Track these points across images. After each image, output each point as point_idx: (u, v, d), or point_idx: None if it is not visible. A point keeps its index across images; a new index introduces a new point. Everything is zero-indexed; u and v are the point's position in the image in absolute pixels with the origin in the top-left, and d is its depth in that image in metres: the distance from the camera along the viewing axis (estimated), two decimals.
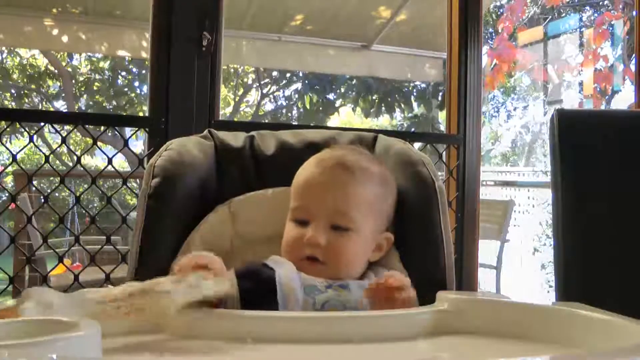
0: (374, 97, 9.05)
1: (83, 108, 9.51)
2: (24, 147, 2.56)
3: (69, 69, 9.33)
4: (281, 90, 10.34)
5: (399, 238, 1.03)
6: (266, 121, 10.28)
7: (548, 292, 5.73)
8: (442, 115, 8.97)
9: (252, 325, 0.74)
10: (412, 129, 9.50)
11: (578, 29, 7.98)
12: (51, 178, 7.49)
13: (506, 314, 0.77)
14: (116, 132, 2.22)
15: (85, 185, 6.30)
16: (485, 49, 7.44)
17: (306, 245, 0.94)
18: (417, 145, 2.44)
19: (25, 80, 9.41)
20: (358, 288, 0.90)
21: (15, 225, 4.27)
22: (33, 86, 9.44)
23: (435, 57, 4.43)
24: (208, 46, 1.98)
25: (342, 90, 9.73)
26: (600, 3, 8.81)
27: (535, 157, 9.88)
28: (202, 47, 1.98)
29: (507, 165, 10.38)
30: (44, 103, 9.78)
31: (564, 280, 1.20)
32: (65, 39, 4.11)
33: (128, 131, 4.07)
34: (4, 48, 8.87)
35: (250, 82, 10.32)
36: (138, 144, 8.20)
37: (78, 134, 8.52)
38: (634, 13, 3.13)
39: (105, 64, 9.37)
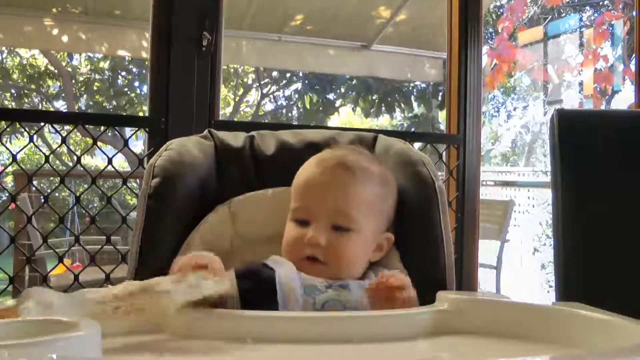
0: (374, 97, 9.05)
1: (83, 108, 9.51)
2: (24, 147, 2.56)
3: (69, 69, 9.34)
4: (281, 90, 10.34)
5: (399, 238, 1.03)
6: (266, 121, 10.28)
7: (548, 292, 5.73)
8: (442, 115, 8.98)
9: (252, 325, 0.74)
10: (412, 129, 9.50)
11: (578, 29, 7.99)
12: (51, 178, 7.49)
13: (506, 314, 0.77)
14: (116, 132, 2.22)
15: (85, 185, 6.30)
16: (485, 49, 7.44)
17: (307, 246, 0.94)
18: (417, 145, 2.44)
19: (25, 80, 9.41)
20: (358, 288, 0.90)
21: (15, 225, 4.27)
22: (33, 86, 9.45)
23: (435, 57, 4.43)
24: (208, 46, 1.98)
25: (342, 90, 9.73)
26: (600, 3, 8.81)
27: (535, 157, 9.89)
28: (202, 47, 1.98)
29: (507, 165, 10.38)
30: (44, 103, 9.79)
31: (564, 280, 1.20)
32: (65, 39, 4.12)
33: (128, 131, 4.07)
34: (4, 48, 8.87)
35: (250, 82, 10.32)
36: (138, 144, 8.20)
37: (78, 134, 8.53)
38: (634, 13, 3.13)
39: (105, 64, 9.37)
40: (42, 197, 2.52)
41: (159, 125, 1.96)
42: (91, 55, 8.94)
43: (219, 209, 1.07)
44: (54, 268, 2.27)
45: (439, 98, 8.83)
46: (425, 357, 0.74)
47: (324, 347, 0.71)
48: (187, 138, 1.13)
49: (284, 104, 10.57)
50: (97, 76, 9.54)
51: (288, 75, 9.71)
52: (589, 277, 1.20)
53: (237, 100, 10.28)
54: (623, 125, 1.29)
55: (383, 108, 8.97)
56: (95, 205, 8.45)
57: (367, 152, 1.08)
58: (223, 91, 9.57)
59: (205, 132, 1.16)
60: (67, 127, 2.34)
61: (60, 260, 2.09)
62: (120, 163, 8.36)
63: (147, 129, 2.02)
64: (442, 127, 8.56)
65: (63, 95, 9.58)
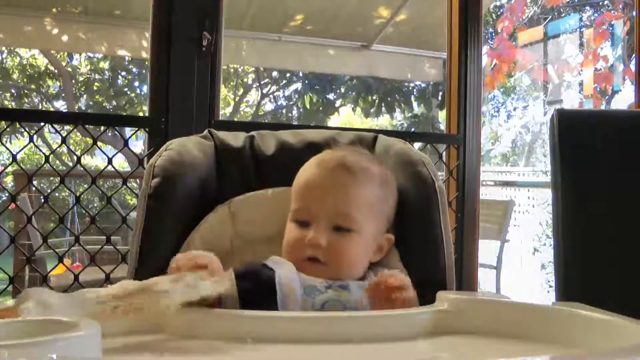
0: (374, 97, 9.05)
1: (83, 108, 9.51)
2: (24, 147, 2.56)
3: (69, 69, 9.33)
4: (281, 90, 10.34)
5: (399, 238, 1.03)
6: (266, 121, 10.28)
7: (548, 292, 5.73)
8: (442, 115, 8.98)
9: (252, 325, 0.74)
10: (412, 129, 9.50)
11: (578, 29, 7.99)
12: (51, 178, 7.49)
13: (506, 314, 0.77)
14: (116, 132, 2.22)
15: (85, 185, 6.30)
16: (485, 49, 7.44)
17: (307, 247, 0.94)
18: (417, 145, 2.44)
19: (25, 80, 9.41)
20: (358, 288, 0.90)
21: (15, 225, 4.27)
22: (33, 86, 9.44)
23: (435, 57, 4.44)
24: (208, 46, 1.98)
25: (342, 90, 9.73)
26: (600, 3, 8.81)
27: (535, 157, 9.89)
28: (202, 47, 1.98)
29: (507, 165, 10.38)
30: (44, 103, 9.78)
31: (564, 280, 1.20)
32: (65, 38, 4.12)
33: (128, 131, 4.07)
34: (4, 48, 8.87)
35: (250, 82, 10.32)
36: (138, 144, 8.20)
37: (78, 134, 8.53)
38: (634, 13, 3.13)
39: (105, 64, 9.37)
40: (42, 197, 2.52)
41: (159, 125, 1.96)
42: (91, 55, 8.94)
43: (219, 209, 1.07)
44: (54, 268, 2.27)
45: (439, 98, 8.83)
46: (425, 357, 0.74)
47: (324, 347, 0.71)
48: (187, 138, 1.13)
49: (284, 104, 10.57)
50: (97, 76, 9.54)
51: (288, 75, 9.72)
52: (589, 277, 1.20)
53: (237, 100, 10.28)
54: (623, 125, 1.29)
55: (383, 108, 8.96)
56: (95, 205, 8.45)
57: (368, 152, 1.08)
58: (223, 91, 9.57)
59: (205, 132, 1.16)
60: (67, 127, 2.34)
61: (60, 260, 2.09)
62: (120, 163, 8.36)
63: (147, 129, 2.02)
64: (442, 126, 8.56)
65: (63, 95, 9.58)
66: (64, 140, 2.00)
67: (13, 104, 9.30)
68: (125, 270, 1.08)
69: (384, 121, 10.02)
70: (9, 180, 6.01)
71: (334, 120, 9.96)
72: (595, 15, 8.41)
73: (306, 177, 1.00)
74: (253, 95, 10.56)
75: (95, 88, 9.58)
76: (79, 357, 0.55)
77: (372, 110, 9.06)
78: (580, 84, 7.79)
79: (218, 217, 1.06)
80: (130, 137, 2.47)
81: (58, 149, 7.96)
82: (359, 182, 0.97)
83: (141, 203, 1.02)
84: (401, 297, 0.85)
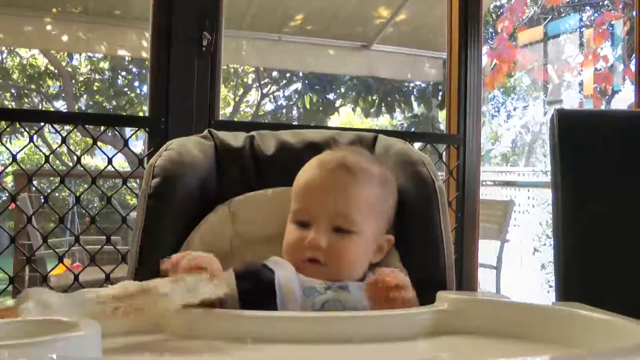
0: (374, 97, 9.05)
1: (83, 108, 9.51)
2: (24, 147, 2.56)
3: (69, 69, 9.33)
4: (281, 90, 10.34)
5: (399, 238, 1.03)
6: (266, 121, 10.28)
7: (548, 292, 5.73)
8: (442, 115, 8.97)
9: (251, 325, 0.74)
10: (412, 129, 9.49)
11: (578, 29, 7.99)
12: (51, 178, 7.49)
13: (506, 314, 0.77)
14: (116, 132, 2.22)
15: (85, 185, 6.30)
16: (485, 49, 7.44)
17: (307, 248, 0.94)
18: (417, 145, 2.44)
19: (25, 80, 9.40)
20: (357, 289, 0.90)
21: (15, 225, 4.27)
22: (33, 86, 9.44)
23: (435, 57, 4.44)
24: (208, 46, 1.98)
25: (342, 90, 9.73)
26: (600, 3, 8.81)
27: (535, 157, 9.89)
28: (202, 47, 1.98)
29: (507, 165, 10.38)
30: (44, 103, 9.78)
31: (564, 280, 1.20)
32: (65, 38, 4.12)
33: (128, 131, 4.07)
34: (4, 48, 8.87)
35: (250, 82, 10.32)
36: (138, 144, 8.20)
37: (78, 134, 8.52)
38: (634, 13, 3.13)
39: (105, 64, 9.37)
40: (42, 197, 2.52)
41: (159, 125, 1.96)
42: (91, 55, 8.94)
43: (219, 209, 1.07)
44: (54, 268, 2.27)
45: (439, 98, 8.83)
46: (425, 357, 0.74)
47: (324, 347, 0.71)
48: (187, 138, 1.13)
49: (284, 104, 10.57)
50: (97, 76, 9.54)
51: (288, 75, 9.71)
52: (589, 277, 1.20)
53: (237, 100, 10.28)
54: (623, 125, 1.29)
55: (383, 108, 8.96)
56: (95, 205, 8.45)
57: (368, 153, 1.08)
58: (223, 91, 9.57)
59: (205, 132, 1.16)
60: (67, 127, 2.34)
61: (60, 260, 2.09)
62: (120, 163, 8.36)
63: (147, 129, 2.02)
64: (442, 126, 8.56)
65: (63, 95, 9.58)
66: (64, 140, 2.00)
67: (13, 104, 9.30)
68: (125, 270, 1.08)
69: (384, 121, 10.02)
70: (9, 180, 6.00)
71: (334, 120, 9.96)
72: (595, 15, 8.41)
73: (306, 178, 1.00)
74: (253, 95, 10.56)
75: (95, 88, 9.58)
76: (79, 357, 0.55)
77: (372, 110, 9.06)
78: (580, 84, 7.79)
79: (218, 217, 1.06)
80: (130, 137, 2.47)
81: (58, 149, 7.96)
82: (359, 182, 0.97)
83: (141, 203, 1.02)
84: (400, 296, 0.85)
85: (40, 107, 9.64)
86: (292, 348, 0.70)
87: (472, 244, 2.30)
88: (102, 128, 2.39)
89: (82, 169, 2.97)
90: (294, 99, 10.08)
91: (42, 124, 2.04)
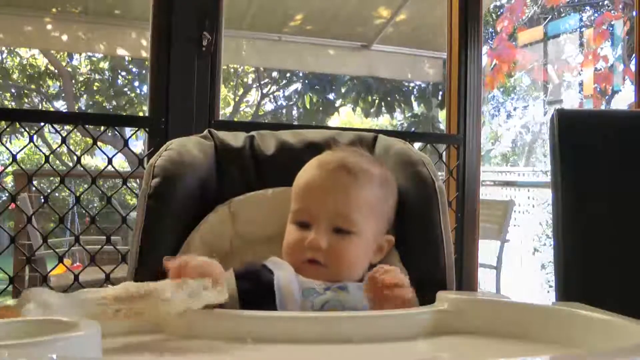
0: (374, 97, 9.05)
1: (83, 108, 9.51)
2: (24, 147, 2.56)
3: (69, 69, 9.33)
4: (281, 90, 10.34)
5: (399, 238, 1.03)
6: (266, 121, 10.28)
7: (548, 292, 5.73)
8: (442, 115, 8.98)
9: (252, 325, 0.74)
10: (412, 129, 9.49)
11: (578, 29, 7.99)
12: (51, 178, 7.49)
13: (506, 314, 0.77)
14: (116, 132, 2.22)
15: (85, 185, 6.30)
16: (485, 49, 7.44)
17: (307, 249, 0.94)
18: (417, 145, 2.44)
19: (25, 80, 9.40)
20: (357, 289, 0.90)
21: (15, 225, 4.27)
22: (33, 86, 9.44)
23: (435, 57, 4.44)
24: (208, 46, 1.98)
25: (342, 90, 9.73)
26: (600, 3, 8.81)
27: (535, 157, 9.88)
28: (202, 47, 1.98)
29: (507, 165, 10.37)
30: (44, 103, 9.78)
31: (564, 280, 1.20)
32: (65, 38, 4.12)
33: (128, 131, 4.07)
34: (4, 48, 8.86)
35: (250, 82, 10.32)
36: (138, 144, 8.20)
37: (78, 134, 8.52)
38: (634, 13, 3.13)
39: (105, 64, 9.37)
40: (42, 197, 2.52)
41: (159, 125, 1.96)
42: (91, 55, 8.94)
43: (219, 209, 1.07)
44: (54, 268, 2.26)
45: (439, 97, 8.83)
46: (425, 357, 0.74)
47: (324, 347, 0.71)
48: (187, 138, 1.13)
49: (284, 104, 10.57)
50: (97, 76, 9.54)
51: (288, 75, 9.71)
52: (589, 277, 1.20)
53: (237, 100, 10.28)
54: (623, 125, 1.29)
55: (383, 108, 8.96)
56: (95, 205, 8.45)
57: (368, 153, 1.08)
58: (223, 91, 9.57)
59: (205, 132, 1.16)
60: (67, 127, 2.34)
61: (60, 260, 2.09)
62: (120, 163, 8.36)
63: (147, 129, 2.02)
64: (442, 126, 8.56)
65: (63, 95, 9.58)
66: (64, 140, 2.00)
67: (13, 104, 9.30)
68: (125, 270, 1.08)
69: (384, 121, 10.02)
70: (9, 180, 6.00)
71: (334, 120, 9.96)
72: (595, 15, 8.41)
73: (306, 179, 1.00)
74: (253, 95, 10.56)
75: (95, 88, 9.58)
76: (79, 357, 0.55)
77: (372, 110, 9.06)
78: (580, 84, 7.79)
79: (218, 217, 1.06)
80: (130, 137, 2.47)
81: (58, 149, 7.96)
82: (360, 183, 0.97)
83: (141, 203, 1.02)
84: (394, 295, 0.85)
85: (40, 107, 9.64)
86: (292, 348, 0.70)
87: (472, 244, 2.30)
88: (102, 128, 2.39)
89: (82, 169, 2.96)
90: (294, 99, 10.08)
91: (42, 124, 2.04)
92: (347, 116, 10.15)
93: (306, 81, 9.56)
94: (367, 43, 4.40)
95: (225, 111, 9.71)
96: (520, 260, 6.43)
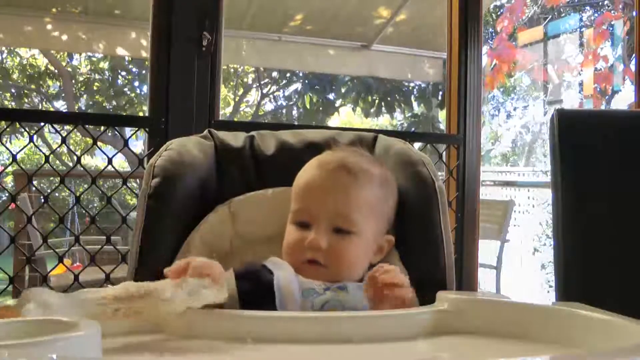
0: (374, 97, 9.05)
1: (83, 108, 9.51)
2: (24, 147, 2.56)
3: (69, 69, 9.33)
4: (281, 90, 10.33)
5: (399, 238, 1.03)
6: (266, 121, 10.28)
7: (548, 292, 5.73)
8: (442, 115, 8.98)
9: (252, 325, 0.74)
10: (412, 129, 9.49)
11: (578, 29, 7.99)
12: (51, 178, 7.49)
13: (506, 314, 0.77)
14: (116, 132, 2.22)
15: (85, 185, 6.30)
16: (485, 49, 7.44)
17: (307, 249, 0.94)
18: (417, 145, 2.44)
19: (25, 80, 9.40)
20: (357, 289, 0.90)
21: (15, 225, 4.27)
22: (33, 86, 9.44)
23: (435, 57, 4.44)
24: (208, 46, 1.98)
25: (342, 90, 9.73)
26: (600, 3, 8.81)
27: (535, 157, 9.88)
28: (202, 47, 1.98)
29: (507, 165, 10.37)
30: (44, 103, 9.78)
31: (564, 280, 1.20)
32: (65, 38, 4.12)
33: (128, 131, 4.07)
34: (4, 48, 8.86)
35: (250, 82, 10.32)
36: (138, 144, 8.20)
37: (78, 134, 8.52)
38: (634, 13, 3.13)
39: (105, 64, 9.37)
40: (42, 197, 2.52)
41: (159, 125, 1.96)
42: (91, 55, 8.94)
43: (219, 209, 1.07)
44: (54, 268, 2.26)
45: (439, 97, 8.83)
46: (425, 357, 0.74)
47: (324, 347, 0.71)
48: (187, 138, 1.13)
49: (284, 104, 10.57)
50: (97, 76, 9.54)
51: (288, 75, 9.71)
52: (589, 277, 1.20)
53: (237, 100, 10.28)
54: (623, 125, 1.29)
55: (383, 108, 8.96)
56: (95, 205, 8.45)
57: (368, 153, 1.08)
58: (223, 91, 9.57)
59: (205, 132, 1.16)
60: (67, 127, 2.34)
61: (60, 260, 2.09)
62: (120, 163, 8.36)
63: (147, 129, 2.02)
64: (442, 126, 8.56)
65: (63, 95, 9.58)
66: (64, 140, 2.00)
67: (13, 104, 9.29)
68: (125, 270, 1.08)
69: (384, 121, 10.02)
70: (9, 180, 6.00)
71: (334, 120, 9.96)
72: (595, 15, 8.41)
73: (306, 179, 1.00)
74: (253, 95, 10.56)
75: (95, 88, 9.58)
76: (79, 357, 0.55)
77: (372, 110, 9.06)
78: (580, 84, 7.79)
79: (218, 217, 1.06)
80: (130, 137, 2.47)
81: (58, 149, 7.96)
82: (360, 183, 0.97)
83: (141, 203, 1.02)
84: (399, 294, 0.85)
85: (40, 107, 9.64)
86: (292, 348, 0.70)
87: (472, 244, 2.30)
88: (102, 128, 2.39)
89: (82, 169, 2.96)
90: (294, 99, 10.07)
91: (42, 124, 2.04)
92: (347, 116, 10.15)
93: (306, 81, 9.56)
94: (367, 43, 4.40)
95: (225, 111, 9.71)
96: (520, 260, 6.43)
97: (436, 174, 1.06)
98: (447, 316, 0.78)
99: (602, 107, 7.53)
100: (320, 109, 9.65)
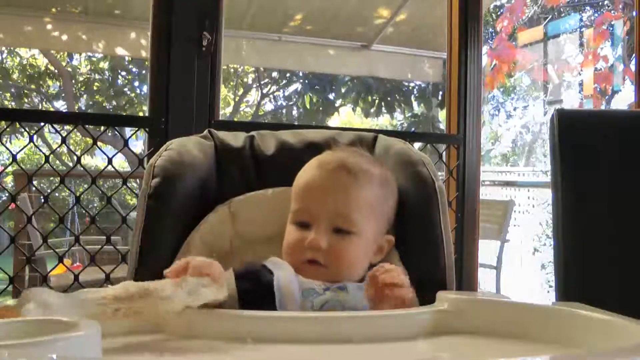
0: (374, 97, 9.05)
1: (83, 108, 9.51)
2: (24, 147, 2.56)
3: (69, 69, 9.33)
4: (281, 90, 10.34)
5: (399, 238, 1.03)
6: (266, 121, 10.28)
7: (548, 292, 5.73)
8: (442, 114, 8.98)
9: (252, 325, 0.74)
10: (412, 129, 9.49)
11: (578, 29, 7.99)
12: (51, 178, 7.49)
13: (506, 314, 0.77)
14: (116, 132, 2.22)
15: (85, 185, 6.30)
16: (485, 49, 7.44)
17: (307, 249, 0.94)
18: (417, 145, 2.44)
19: (25, 80, 9.40)
20: (356, 289, 0.90)
21: (15, 225, 4.27)
22: (33, 86, 9.44)
23: (435, 57, 4.44)
24: (208, 46, 1.98)
25: (342, 90, 9.73)
26: (600, 3, 8.81)
27: (535, 157, 9.88)
28: (202, 47, 1.98)
29: (507, 165, 10.37)
30: (44, 103, 9.78)
31: (564, 280, 1.20)
32: (65, 38, 4.12)
33: (128, 131, 4.07)
34: (4, 48, 8.87)
35: (250, 82, 10.32)
36: (138, 144, 8.20)
37: (78, 134, 8.52)
38: (634, 13, 3.13)
39: (105, 64, 9.36)
40: (42, 197, 2.52)
41: (159, 125, 1.96)
42: (91, 55, 8.94)
43: (219, 209, 1.07)
44: (54, 268, 2.26)
45: (439, 97, 8.83)
46: (425, 357, 0.74)
47: (324, 347, 0.71)
48: (187, 138, 1.13)
49: (284, 104, 10.57)
50: (97, 76, 9.54)
51: (288, 75, 9.71)
52: (589, 277, 1.20)
53: (237, 100, 10.28)
54: (623, 125, 1.29)
55: (383, 108, 8.96)
56: (95, 205, 8.45)
57: (368, 154, 1.08)
58: (223, 91, 9.57)
59: (205, 132, 1.16)
60: (67, 127, 2.34)
61: (60, 260, 2.09)
62: (120, 163, 8.36)
63: (147, 129, 2.02)
64: (442, 125, 8.56)
65: (63, 95, 9.58)
66: (64, 140, 2.00)
67: (13, 104, 9.30)
68: (125, 270, 1.08)
69: (384, 121, 10.02)
70: (9, 180, 6.00)
71: (334, 120, 9.96)
72: (595, 15, 8.40)
73: (306, 179, 1.00)
74: (253, 95, 10.57)
75: (95, 88, 9.58)
76: (79, 357, 0.55)
77: (372, 110, 9.06)
78: (580, 84, 7.79)
79: (218, 217, 1.06)
80: (130, 137, 2.47)
81: (58, 149, 7.96)
82: (360, 183, 0.97)
83: (141, 203, 1.02)
84: (399, 294, 0.85)
85: (40, 107, 9.64)
86: (292, 348, 0.70)
87: (472, 244, 2.30)
88: (102, 128, 2.39)
89: (82, 169, 2.96)
90: (294, 99, 10.08)
91: (42, 124, 2.04)
92: (347, 116, 10.15)
93: (306, 81, 9.56)
94: (367, 43, 4.40)
95: (225, 111, 9.71)
96: (520, 260, 6.43)
97: (436, 174, 1.06)
98: (447, 316, 0.78)
99: (602, 107, 7.53)
100: (320, 109, 9.65)
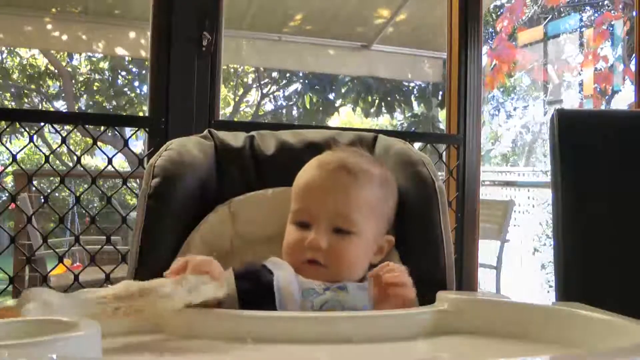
0: (374, 97, 9.05)
1: (83, 108, 9.51)
2: (24, 147, 2.56)
3: (69, 69, 9.33)
4: (281, 90, 10.34)
5: (399, 238, 1.03)
6: (266, 121, 10.28)
7: (548, 292, 5.73)
8: (442, 114, 8.98)
9: (251, 325, 0.74)
10: (412, 129, 9.49)
11: (578, 29, 7.99)
12: (51, 178, 7.49)
13: (506, 314, 0.77)
14: (116, 132, 2.22)
15: (85, 185, 6.30)
16: (485, 49, 7.44)
17: (307, 249, 0.94)
18: (417, 145, 2.44)
19: (25, 80, 9.40)
20: (356, 289, 0.90)
21: (15, 225, 4.27)
22: (33, 86, 9.44)
23: (435, 57, 4.44)
24: (208, 46, 1.98)
25: (342, 90, 9.73)
26: (600, 3, 8.81)
27: (535, 157, 9.88)
28: (202, 47, 1.98)
29: (507, 165, 10.37)
30: (44, 103, 9.78)
31: (564, 280, 1.20)
32: (65, 38, 4.12)
33: (128, 131, 4.07)
34: (4, 48, 8.87)
35: (250, 82, 10.32)
36: (138, 144, 8.20)
37: (78, 134, 8.52)
38: (634, 13, 3.13)
39: (105, 64, 9.36)
40: (42, 197, 2.52)
41: (159, 125, 1.96)
42: (91, 55, 8.94)
43: (219, 209, 1.07)
44: (54, 268, 2.26)
45: (439, 97, 8.83)
46: (425, 357, 0.74)
47: (324, 347, 0.71)
48: (187, 138, 1.13)
49: (284, 104, 10.57)
50: (97, 76, 9.54)
51: (288, 75, 9.71)
52: (589, 277, 1.20)
53: (237, 100, 10.28)
54: (623, 125, 1.30)
55: (383, 108, 8.96)
56: (95, 205, 8.45)
57: (368, 154, 1.08)
58: (223, 91, 9.56)
59: (205, 132, 1.16)
60: (67, 127, 2.34)
61: (60, 260, 2.09)
62: (120, 163, 8.36)
63: (147, 129, 2.02)
64: (442, 125, 8.56)
65: (63, 95, 9.58)
66: (64, 140, 2.00)
67: (13, 104, 9.29)
68: (125, 270, 1.08)
69: (384, 121, 10.02)
70: (9, 180, 6.00)
71: (334, 120, 9.96)
72: (595, 15, 8.40)
73: (306, 179, 1.00)
74: (253, 95, 10.57)
75: (95, 88, 9.58)
76: (79, 357, 0.55)
77: (372, 110, 9.06)
78: (580, 84, 7.80)
79: (218, 217, 1.06)
80: (130, 137, 2.47)
81: (58, 149, 7.95)
82: (360, 184, 0.97)
83: (141, 203, 1.02)
84: (402, 293, 0.85)
85: (40, 107, 9.64)
86: (292, 348, 0.70)
87: (472, 244, 2.30)
88: (102, 128, 2.39)
89: (82, 169, 2.96)
90: (294, 99, 10.08)
91: (42, 124, 2.04)
92: (347, 116, 10.15)
93: (306, 81, 9.56)
94: (367, 43, 4.40)
95: (225, 111, 9.71)
96: (520, 260, 6.43)
97: (436, 174, 1.06)
98: (447, 316, 0.78)
99: (602, 107, 7.53)
100: (320, 109, 9.65)
